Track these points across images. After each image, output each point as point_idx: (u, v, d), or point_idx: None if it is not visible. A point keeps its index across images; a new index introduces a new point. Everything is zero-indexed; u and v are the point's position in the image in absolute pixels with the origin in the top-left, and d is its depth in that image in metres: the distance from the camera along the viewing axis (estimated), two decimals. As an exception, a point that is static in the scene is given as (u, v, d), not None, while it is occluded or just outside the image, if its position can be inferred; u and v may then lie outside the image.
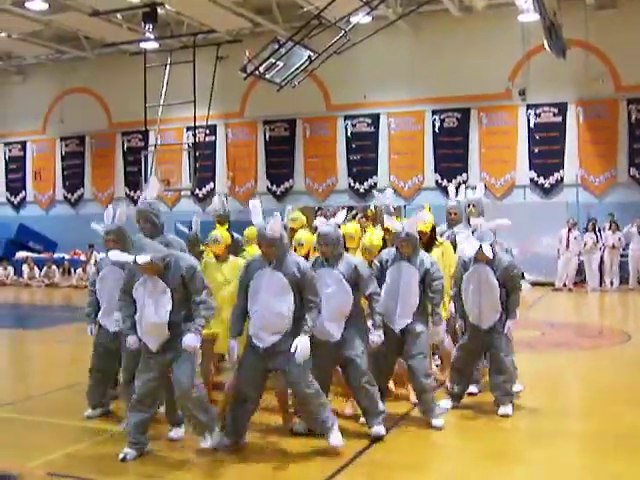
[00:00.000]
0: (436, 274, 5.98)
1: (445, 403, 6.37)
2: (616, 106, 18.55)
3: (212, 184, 22.24)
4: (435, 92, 19.61)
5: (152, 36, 18.35)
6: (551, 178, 18.91)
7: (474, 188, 7.73)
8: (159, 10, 17.26)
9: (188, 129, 21.10)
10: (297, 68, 16.13)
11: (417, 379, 5.93)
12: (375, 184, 20.51)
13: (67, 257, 22.06)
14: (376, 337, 5.61)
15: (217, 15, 18.41)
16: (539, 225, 17.72)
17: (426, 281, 5.96)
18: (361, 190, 20.69)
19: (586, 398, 6.79)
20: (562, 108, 18.92)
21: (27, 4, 17.67)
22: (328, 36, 15.58)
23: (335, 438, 5.28)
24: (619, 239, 17.37)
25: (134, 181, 21.94)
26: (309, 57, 15.89)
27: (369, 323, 5.76)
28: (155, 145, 20.14)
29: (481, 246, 6.05)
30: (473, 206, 7.31)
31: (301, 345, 5.11)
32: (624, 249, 17.52)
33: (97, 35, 20.47)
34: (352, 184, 20.80)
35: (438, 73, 19.40)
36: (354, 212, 17.00)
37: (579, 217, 18.12)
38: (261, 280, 5.26)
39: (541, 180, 18.96)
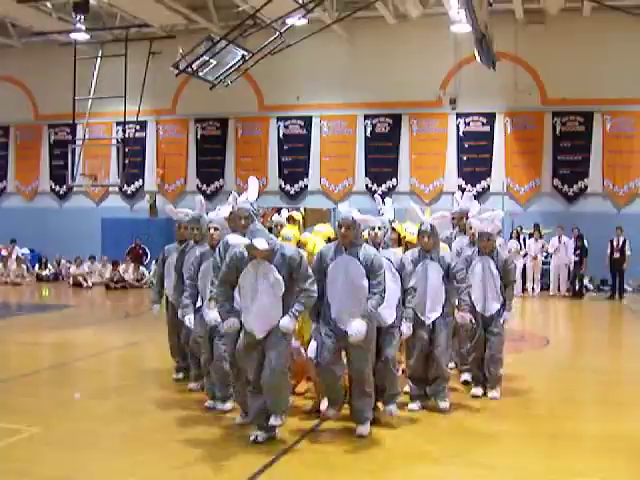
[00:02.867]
0: (458, 266, 6.55)
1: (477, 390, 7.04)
2: (542, 118, 19.13)
3: (141, 181, 21.88)
4: (368, 97, 19.79)
5: (83, 27, 17.89)
6: (478, 186, 19.33)
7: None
8: (91, 0, 16.84)
9: (118, 124, 20.63)
10: (230, 67, 16.04)
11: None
12: (306, 186, 20.59)
13: (-14, 251, 21.30)
14: (406, 329, 6.06)
15: (151, 9, 18.08)
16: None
17: (450, 274, 6.47)
18: (292, 192, 20.70)
19: (509, 400, 6.98)
20: (490, 118, 19.39)
21: (-50, -13, 17.00)
22: (263, 36, 15.55)
23: (365, 429, 5.66)
24: (542, 247, 17.89)
25: (60, 175, 21.35)
26: (243, 56, 15.83)
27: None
28: (83, 139, 19.66)
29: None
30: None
31: (359, 327, 5.38)
32: (546, 257, 18.05)
33: (25, 23, 19.84)
34: (283, 186, 20.79)
35: (371, 78, 19.58)
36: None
37: (504, 225, 18.53)
38: (339, 266, 5.56)
39: (469, 187, 19.31)
